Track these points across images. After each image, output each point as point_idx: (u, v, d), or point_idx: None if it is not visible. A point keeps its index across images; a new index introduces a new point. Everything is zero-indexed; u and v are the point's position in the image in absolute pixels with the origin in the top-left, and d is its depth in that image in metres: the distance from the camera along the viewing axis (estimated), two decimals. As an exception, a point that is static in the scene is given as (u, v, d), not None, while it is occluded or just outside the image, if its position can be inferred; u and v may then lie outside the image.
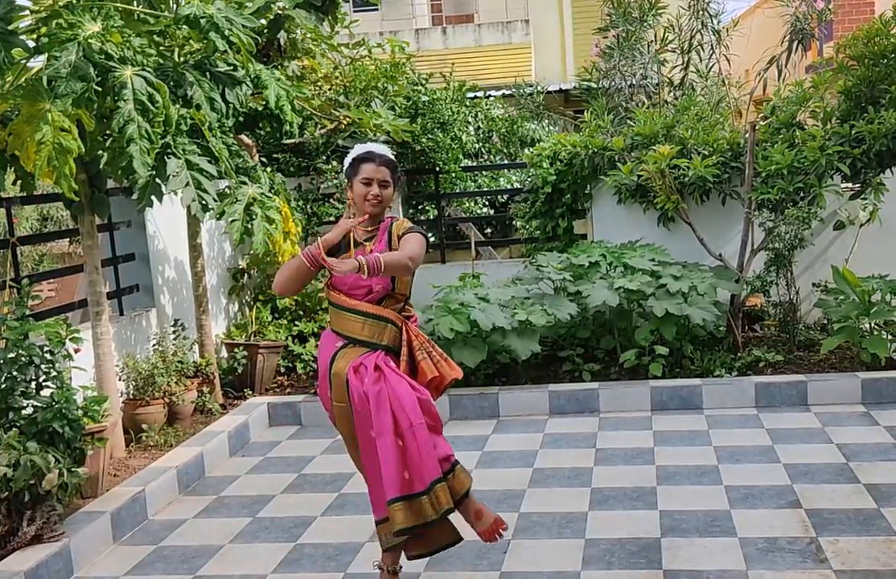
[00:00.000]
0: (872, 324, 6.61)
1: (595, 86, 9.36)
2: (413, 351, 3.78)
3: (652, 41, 9.14)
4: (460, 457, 5.71)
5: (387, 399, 3.58)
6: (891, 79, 6.92)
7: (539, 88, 11.68)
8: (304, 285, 3.82)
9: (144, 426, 6.07)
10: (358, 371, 3.65)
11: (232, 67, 5.58)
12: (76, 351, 5.06)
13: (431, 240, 9.98)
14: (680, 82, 9.30)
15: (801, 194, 6.97)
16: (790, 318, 7.27)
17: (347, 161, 3.86)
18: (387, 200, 3.81)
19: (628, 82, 8.96)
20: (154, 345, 6.68)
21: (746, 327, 7.60)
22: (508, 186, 10.23)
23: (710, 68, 9.32)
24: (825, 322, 7.49)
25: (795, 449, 5.45)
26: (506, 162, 10.25)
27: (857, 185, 7.35)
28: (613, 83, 9.04)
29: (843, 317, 6.66)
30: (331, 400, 3.78)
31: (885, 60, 6.95)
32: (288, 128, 6.73)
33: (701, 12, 9.10)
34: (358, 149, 3.85)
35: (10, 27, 4.39)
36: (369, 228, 3.83)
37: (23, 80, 4.46)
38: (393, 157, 3.88)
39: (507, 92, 11.82)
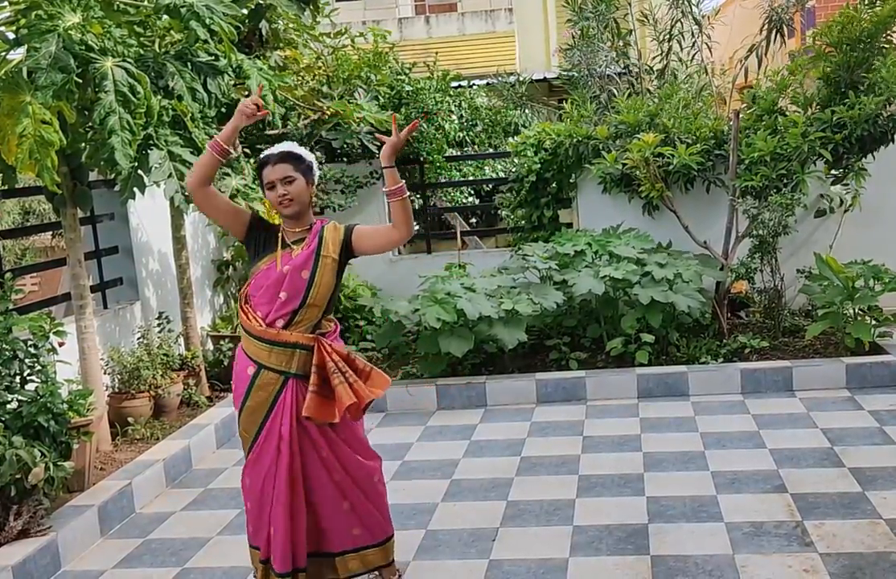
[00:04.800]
0: (856, 310, 6.65)
1: (577, 75, 9.36)
2: (328, 375, 3.50)
3: (612, 33, 9.13)
4: (448, 447, 5.79)
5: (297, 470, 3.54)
6: (868, 64, 6.96)
7: (522, 78, 11.67)
8: (211, 178, 3.50)
9: (130, 419, 6.04)
10: (288, 434, 3.52)
11: (213, 57, 5.55)
12: (60, 344, 5.03)
13: (416, 229, 9.96)
14: (662, 71, 9.31)
15: (785, 181, 7.00)
16: (775, 305, 7.31)
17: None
18: (298, 196, 3.53)
19: (596, 73, 8.96)
20: (139, 339, 6.64)
21: (731, 314, 7.64)
22: (493, 176, 10.22)
23: (693, 56, 9.33)
24: (810, 308, 7.55)
25: (781, 435, 5.49)
26: (490, 151, 10.24)
27: (839, 171, 7.39)
28: (590, 73, 9.03)
29: (827, 303, 6.70)
30: (239, 423, 3.67)
31: (861, 45, 6.98)
32: (270, 118, 6.70)
33: (681, 1, 9.10)
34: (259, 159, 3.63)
35: (-11, 19, 4.35)
36: (297, 229, 3.60)
37: (2, 72, 4.41)
38: (294, 149, 3.59)
39: (491, 81, 11.80)
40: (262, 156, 3.61)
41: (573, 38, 9.07)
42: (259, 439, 3.56)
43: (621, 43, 9.17)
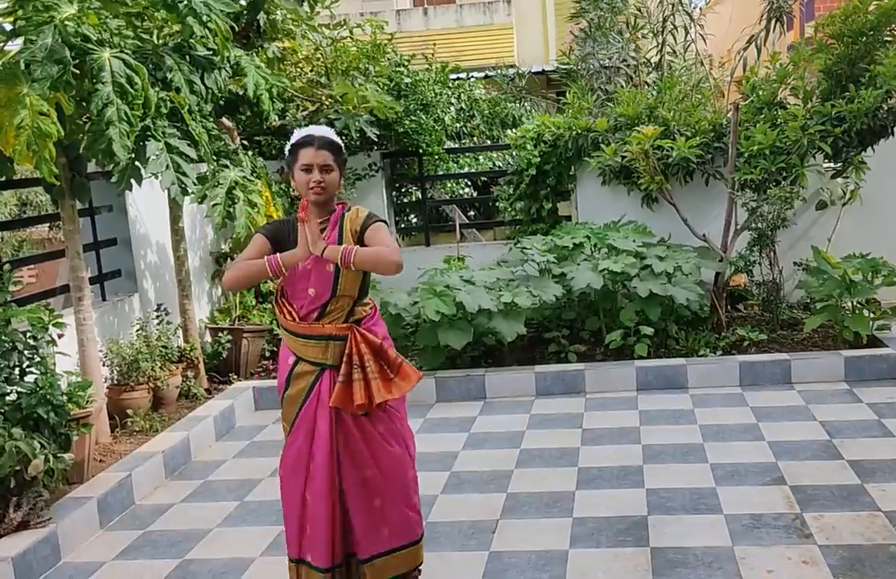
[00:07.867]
0: (854, 303, 6.66)
1: (575, 68, 9.35)
2: (351, 370, 3.42)
3: (625, 25, 9.13)
4: (447, 439, 5.79)
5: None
6: (870, 57, 6.95)
7: (520, 71, 11.64)
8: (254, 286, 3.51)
9: (129, 411, 6.04)
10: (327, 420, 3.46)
11: (211, 51, 5.54)
12: (59, 336, 5.02)
13: (413, 221, 9.97)
14: (657, 64, 9.29)
15: (784, 174, 7.00)
16: (773, 298, 7.31)
17: (287, 149, 3.52)
18: (331, 186, 3.45)
19: (604, 65, 8.95)
20: (137, 330, 6.63)
21: (730, 307, 7.64)
22: (492, 168, 10.20)
23: (687, 48, 9.32)
24: (808, 301, 7.54)
25: (779, 427, 5.49)
26: (489, 144, 10.22)
27: (838, 164, 7.39)
28: (591, 66, 9.02)
29: (825, 296, 6.70)
30: (281, 408, 3.62)
31: (864, 38, 6.97)
32: (266, 115, 6.68)
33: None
34: (297, 135, 3.48)
35: (-15, 10, 4.34)
36: (319, 219, 3.48)
37: (0, 63, 4.39)
38: (336, 138, 3.50)
39: (490, 73, 11.78)
40: (304, 133, 3.46)
41: (590, 26, 9.05)
42: (293, 430, 3.52)
43: (637, 34, 9.16)
